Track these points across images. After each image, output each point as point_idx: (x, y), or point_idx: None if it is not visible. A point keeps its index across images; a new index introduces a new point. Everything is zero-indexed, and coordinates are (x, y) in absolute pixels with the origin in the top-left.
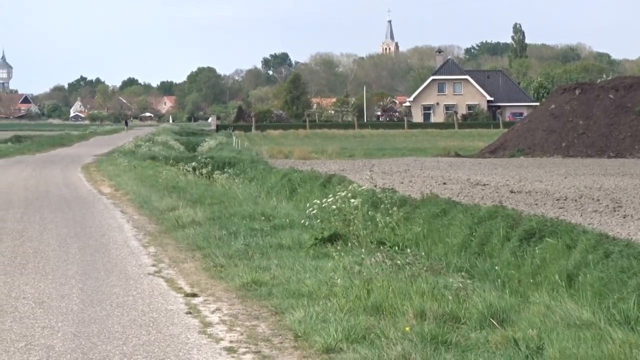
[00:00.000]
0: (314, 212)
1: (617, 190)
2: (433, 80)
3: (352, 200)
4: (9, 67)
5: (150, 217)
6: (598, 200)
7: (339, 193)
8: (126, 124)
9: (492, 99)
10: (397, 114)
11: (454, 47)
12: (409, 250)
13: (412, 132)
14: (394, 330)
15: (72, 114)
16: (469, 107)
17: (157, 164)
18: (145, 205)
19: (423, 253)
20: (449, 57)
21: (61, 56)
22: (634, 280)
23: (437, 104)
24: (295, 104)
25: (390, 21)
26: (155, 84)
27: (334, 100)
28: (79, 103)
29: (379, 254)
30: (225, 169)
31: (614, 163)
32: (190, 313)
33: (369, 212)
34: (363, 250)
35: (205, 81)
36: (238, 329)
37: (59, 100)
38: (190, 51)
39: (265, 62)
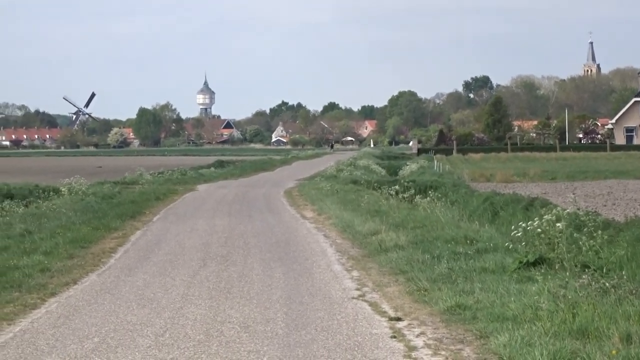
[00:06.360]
0: (518, 234)
1: None
2: (635, 102)
3: (558, 223)
4: (211, 93)
5: (353, 241)
6: None
7: (544, 216)
8: (332, 146)
9: None
10: (599, 136)
11: None
12: (613, 273)
13: (614, 154)
14: (600, 354)
15: (274, 139)
16: None
17: (359, 188)
18: (347, 230)
19: (629, 276)
20: None
21: (263, 82)
22: None
23: None
24: (496, 127)
25: (591, 43)
26: (356, 108)
27: (535, 123)
28: (281, 128)
29: (584, 277)
30: (428, 193)
31: None
32: (394, 337)
33: (573, 236)
34: (567, 273)
35: (406, 105)
36: (443, 352)
37: (260, 125)
38: (390, 75)
39: (467, 86)
